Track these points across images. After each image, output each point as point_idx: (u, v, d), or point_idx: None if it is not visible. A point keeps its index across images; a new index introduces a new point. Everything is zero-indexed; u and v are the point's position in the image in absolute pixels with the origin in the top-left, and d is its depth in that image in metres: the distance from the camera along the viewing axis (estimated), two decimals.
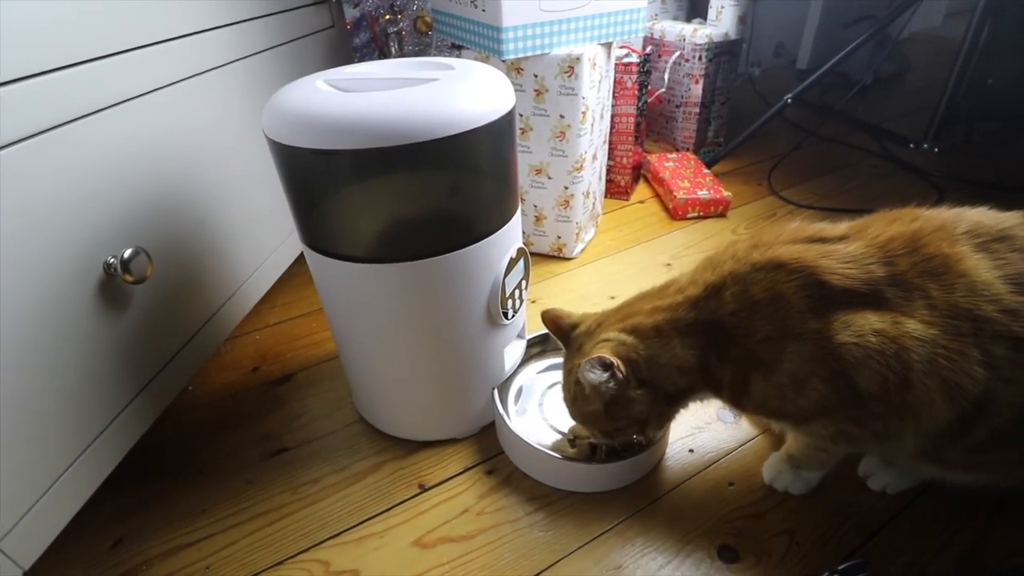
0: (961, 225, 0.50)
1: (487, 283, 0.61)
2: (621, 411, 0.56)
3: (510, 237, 0.62)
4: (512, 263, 0.63)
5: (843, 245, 0.52)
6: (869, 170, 1.35)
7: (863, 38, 1.29)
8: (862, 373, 0.48)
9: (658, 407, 0.56)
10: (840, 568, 0.46)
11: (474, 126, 0.51)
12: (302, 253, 0.65)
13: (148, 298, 0.61)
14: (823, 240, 0.53)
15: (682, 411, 0.60)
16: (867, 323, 0.48)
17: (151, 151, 0.61)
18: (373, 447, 0.72)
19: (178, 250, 0.65)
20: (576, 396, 0.59)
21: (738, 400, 0.56)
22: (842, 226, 0.55)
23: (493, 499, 0.64)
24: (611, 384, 0.54)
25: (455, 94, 0.51)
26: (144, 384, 0.62)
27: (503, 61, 0.89)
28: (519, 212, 0.64)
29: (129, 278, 0.56)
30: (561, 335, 0.63)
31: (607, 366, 0.53)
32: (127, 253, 0.55)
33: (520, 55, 0.85)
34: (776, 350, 0.51)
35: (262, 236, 0.83)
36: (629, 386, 0.54)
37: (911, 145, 1.15)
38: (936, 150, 1.11)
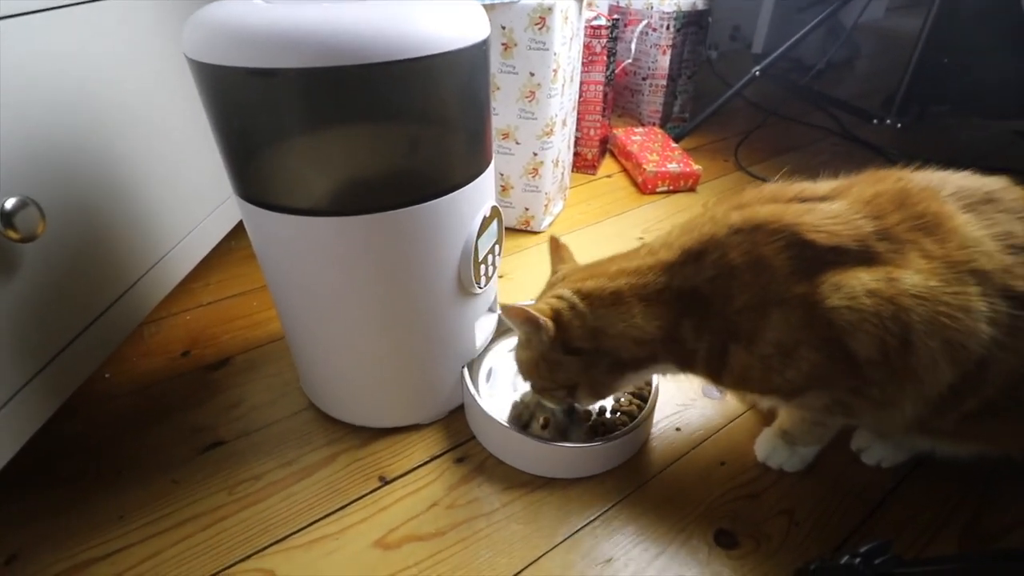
0: (947, 187, 0.48)
1: (458, 244, 0.53)
2: (547, 371, 0.53)
3: (483, 192, 0.54)
4: (486, 223, 0.55)
5: (826, 204, 0.48)
6: (829, 147, 1.35)
7: (821, 16, 1.29)
8: (858, 338, 0.44)
9: (593, 376, 0.53)
10: (863, 551, 0.42)
11: (442, 50, 0.43)
12: (240, 223, 0.55)
13: (42, 263, 0.50)
14: (805, 199, 0.49)
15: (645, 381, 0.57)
16: (859, 283, 0.43)
17: (45, 83, 0.49)
18: (325, 437, 0.63)
19: (79, 207, 0.54)
20: (519, 340, 0.56)
21: (716, 374, 0.51)
22: (824, 186, 0.51)
23: (464, 490, 0.57)
24: (537, 341, 0.52)
25: (421, 11, 0.43)
26: (40, 367, 0.51)
27: None
28: (493, 166, 0.57)
29: (13, 234, 0.45)
30: (552, 264, 0.60)
31: (533, 322, 0.50)
32: (10, 203, 0.44)
33: (486, 1, 0.77)
34: (758, 318, 0.46)
35: (190, 200, 0.72)
36: (556, 350, 0.51)
37: (875, 121, 1.15)
38: (899, 125, 1.12)
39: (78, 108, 0.54)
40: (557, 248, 0.60)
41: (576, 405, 0.62)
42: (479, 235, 0.54)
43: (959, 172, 0.50)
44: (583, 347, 0.51)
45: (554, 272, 0.58)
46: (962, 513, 0.55)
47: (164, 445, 0.62)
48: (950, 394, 0.46)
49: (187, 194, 0.71)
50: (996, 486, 0.57)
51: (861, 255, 0.45)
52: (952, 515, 0.54)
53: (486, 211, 0.55)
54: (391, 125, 0.45)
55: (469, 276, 0.55)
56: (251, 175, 0.48)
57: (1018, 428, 0.49)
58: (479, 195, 0.54)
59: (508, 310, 0.50)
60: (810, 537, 0.52)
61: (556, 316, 0.51)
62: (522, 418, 0.62)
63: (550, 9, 0.79)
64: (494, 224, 0.58)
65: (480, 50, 0.47)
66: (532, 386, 0.57)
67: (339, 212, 0.47)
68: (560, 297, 0.52)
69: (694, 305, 0.49)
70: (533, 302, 0.55)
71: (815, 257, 0.45)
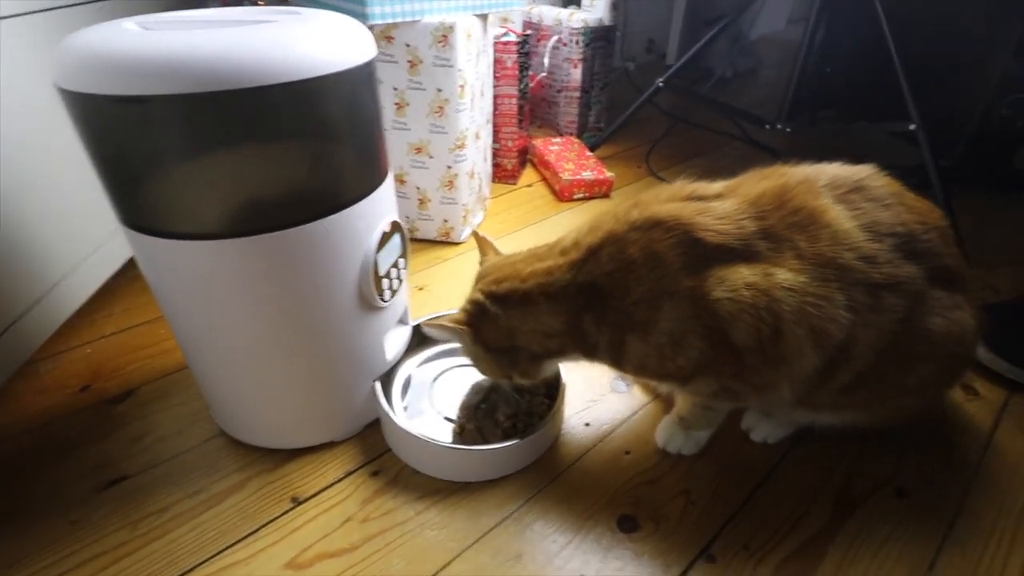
0: (822, 179, 0.53)
1: (356, 260, 0.54)
2: (483, 364, 0.59)
3: (380, 208, 0.56)
4: (386, 238, 0.56)
5: (718, 203, 0.52)
6: (732, 152, 1.46)
7: (715, 31, 1.38)
8: (737, 327, 0.48)
9: (519, 365, 0.57)
10: None
11: (321, 73, 0.44)
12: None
13: None
14: (700, 198, 0.53)
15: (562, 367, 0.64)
16: (740, 277, 0.48)
17: None
18: (236, 463, 0.62)
19: None
20: (453, 337, 0.60)
21: (617, 362, 0.55)
22: (717, 185, 0.56)
23: (379, 503, 0.58)
24: (463, 343, 0.57)
25: (298, 36, 0.44)
26: None
27: (370, 28, 0.82)
28: (390, 181, 0.58)
29: None
30: (480, 258, 0.64)
31: (451, 331, 0.55)
32: None
33: (388, 20, 0.79)
34: (652, 309, 0.50)
35: (79, 228, 0.69)
36: (479, 349, 0.56)
37: (767, 126, 1.24)
38: (788, 130, 1.21)
39: None
40: (481, 242, 0.64)
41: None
42: (379, 249, 0.55)
43: (833, 163, 0.55)
44: (500, 345, 0.55)
45: (480, 266, 0.62)
46: (835, 479, 0.60)
47: (63, 484, 0.59)
48: (820, 373, 0.51)
49: (73, 224, 0.68)
50: (864, 452, 0.63)
51: (744, 253, 0.49)
52: (827, 482, 0.60)
53: (385, 226, 0.56)
54: (276, 147, 0.46)
55: (371, 291, 0.56)
56: (134, 203, 0.47)
57: (883, 395, 0.55)
58: (375, 210, 0.55)
59: (428, 324, 0.56)
60: (704, 514, 0.56)
61: (470, 320, 0.55)
62: (476, 407, 0.67)
63: (451, 27, 0.81)
64: (396, 238, 0.59)
65: (363, 72, 0.48)
66: (479, 372, 0.62)
67: (230, 234, 0.47)
68: (474, 302, 0.56)
69: (594, 299, 0.52)
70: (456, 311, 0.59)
71: (704, 254, 0.49)
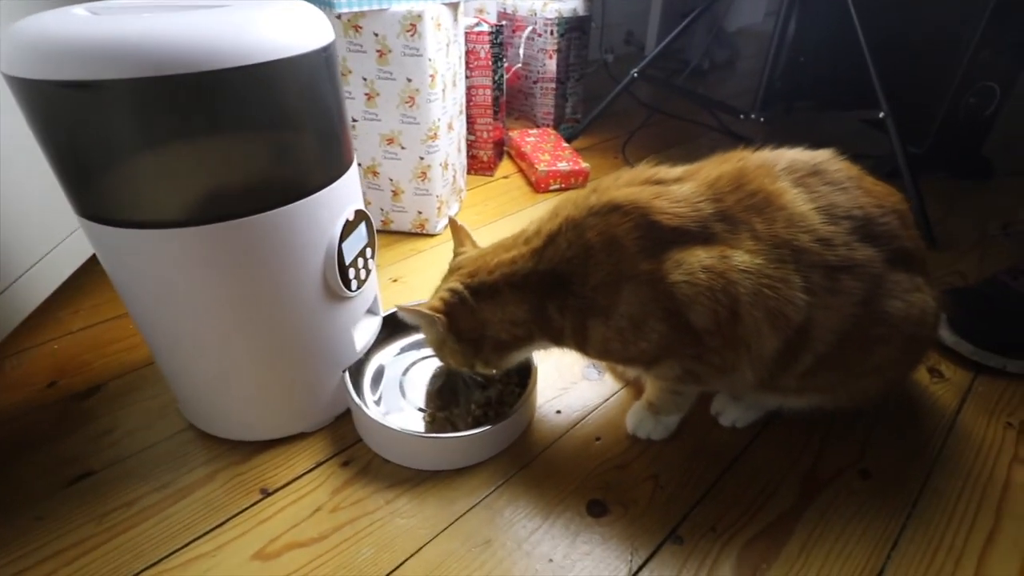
0: (780, 163, 0.53)
1: (319, 249, 0.54)
2: (449, 353, 0.58)
3: (344, 196, 0.55)
4: (350, 226, 0.56)
5: (677, 186, 0.53)
6: (709, 142, 1.46)
7: (689, 19, 1.39)
8: (695, 310, 0.49)
9: (485, 354, 0.57)
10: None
11: (275, 57, 0.44)
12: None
13: None
14: (659, 182, 0.54)
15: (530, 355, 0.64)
16: (696, 260, 0.48)
17: None
18: (204, 455, 0.61)
19: None
20: (423, 329, 0.61)
21: (582, 347, 0.56)
22: (678, 169, 0.56)
23: (349, 492, 0.57)
24: (434, 331, 0.56)
25: (251, 20, 0.43)
26: None
27: (338, 18, 0.81)
28: (355, 169, 0.58)
29: None
30: (455, 247, 0.63)
31: (427, 318, 0.54)
32: None
33: (355, 8, 0.78)
34: (612, 293, 0.50)
35: (38, 222, 0.67)
36: (451, 338, 0.56)
37: (741, 116, 1.25)
38: (762, 119, 1.22)
39: None
40: (456, 231, 0.63)
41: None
42: (343, 239, 0.55)
43: (792, 148, 0.55)
44: (471, 336, 0.55)
45: (456, 255, 0.61)
46: (803, 462, 0.61)
47: (27, 481, 0.59)
48: (781, 356, 0.52)
49: (31, 218, 0.67)
50: (830, 435, 0.64)
51: (701, 235, 0.49)
52: (794, 464, 0.61)
53: (349, 214, 0.56)
54: (232, 133, 0.45)
55: (336, 281, 0.56)
56: (89, 192, 0.47)
57: (845, 378, 0.56)
58: (338, 198, 0.54)
59: (403, 309, 0.55)
60: (672, 498, 0.57)
61: (448, 310, 0.55)
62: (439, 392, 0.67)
63: (419, 16, 0.81)
64: (362, 227, 0.59)
65: (321, 56, 0.48)
66: (440, 360, 0.62)
67: (188, 222, 0.46)
68: (452, 291, 0.55)
69: (556, 285, 0.52)
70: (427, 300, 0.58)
71: (661, 237, 0.49)
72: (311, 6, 0.50)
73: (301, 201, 0.50)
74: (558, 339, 0.56)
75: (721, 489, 0.58)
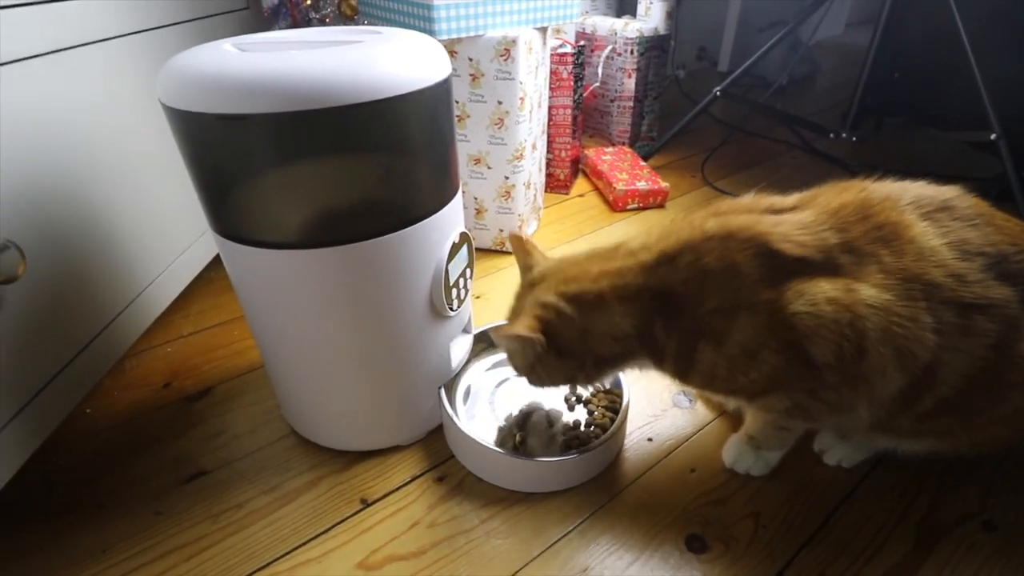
0: (906, 196, 0.51)
1: (428, 270, 0.56)
2: (545, 373, 0.56)
3: (451, 220, 0.57)
4: (455, 248, 0.58)
5: (794, 215, 0.51)
6: (791, 161, 1.41)
7: (778, 36, 1.35)
8: (816, 343, 0.47)
9: (586, 371, 0.55)
10: None
11: (405, 91, 0.46)
12: (219, 255, 0.57)
13: (22, 303, 0.51)
14: (776, 211, 0.52)
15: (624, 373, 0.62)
16: (820, 291, 0.46)
17: (26, 127, 0.51)
18: (307, 462, 0.64)
19: (60, 247, 0.56)
20: (509, 353, 0.59)
21: (684, 372, 0.54)
22: (791, 198, 0.54)
23: (444, 508, 0.59)
24: (531, 352, 0.54)
25: (384, 56, 0.46)
26: (20, 407, 0.52)
27: None
28: (460, 195, 0.60)
29: None
30: (521, 263, 0.61)
31: (525, 340, 0.52)
32: None
33: (454, 35, 0.81)
34: (727, 320, 0.49)
35: (169, 234, 0.73)
36: (550, 356, 0.53)
37: (831, 135, 1.20)
38: (854, 139, 1.17)
39: (57, 149, 0.55)
40: (523, 245, 0.60)
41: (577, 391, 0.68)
42: (449, 260, 0.57)
43: (916, 182, 0.53)
44: (574, 349, 0.53)
45: (527, 271, 0.59)
46: (917, 508, 0.57)
47: (146, 477, 0.63)
48: (903, 396, 0.49)
49: (164, 230, 0.73)
50: (948, 481, 0.60)
51: (825, 266, 0.48)
52: (908, 510, 0.57)
53: (455, 237, 0.57)
54: (358, 162, 0.48)
55: (441, 300, 0.57)
56: (225, 212, 0.50)
57: (969, 424, 0.52)
58: (447, 222, 0.56)
59: (498, 333, 0.52)
60: (776, 538, 0.55)
61: (545, 326, 0.52)
62: (506, 443, 0.64)
63: (514, 41, 0.83)
64: (464, 249, 0.61)
65: (441, 88, 0.50)
66: (530, 382, 0.59)
67: (312, 244, 0.49)
68: (546, 305, 0.53)
69: (667, 305, 0.51)
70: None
71: (782, 266, 0.48)
72: (432, 40, 0.52)
73: (415, 226, 0.52)
74: (657, 359, 0.54)
75: (828, 533, 0.55)
